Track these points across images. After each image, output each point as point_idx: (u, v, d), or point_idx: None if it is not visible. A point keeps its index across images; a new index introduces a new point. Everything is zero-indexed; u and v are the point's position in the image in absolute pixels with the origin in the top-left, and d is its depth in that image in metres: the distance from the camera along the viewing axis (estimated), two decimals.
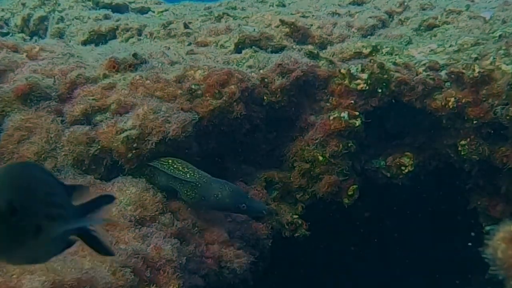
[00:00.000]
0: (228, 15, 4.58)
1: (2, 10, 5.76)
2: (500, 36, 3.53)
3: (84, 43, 4.64)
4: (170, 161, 2.94)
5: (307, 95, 3.59)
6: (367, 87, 3.45)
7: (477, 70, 3.21)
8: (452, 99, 3.30)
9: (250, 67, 3.57)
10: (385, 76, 3.43)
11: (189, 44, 4.17)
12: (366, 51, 3.76)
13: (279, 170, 3.61)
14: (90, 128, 2.96)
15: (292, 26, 4.08)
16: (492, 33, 3.62)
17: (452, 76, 3.34)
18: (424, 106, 3.42)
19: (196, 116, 3.01)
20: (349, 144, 3.45)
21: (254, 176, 3.57)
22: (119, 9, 5.58)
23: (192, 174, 2.91)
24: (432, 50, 3.71)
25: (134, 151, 2.88)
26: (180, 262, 2.52)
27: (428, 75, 3.41)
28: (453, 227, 3.97)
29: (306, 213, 3.55)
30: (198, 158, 3.14)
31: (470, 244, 3.01)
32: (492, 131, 3.26)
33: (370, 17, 4.42)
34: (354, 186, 3.50)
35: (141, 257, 2.33)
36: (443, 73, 3.42)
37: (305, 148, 3.50)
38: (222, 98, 3.14)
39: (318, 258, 4.11)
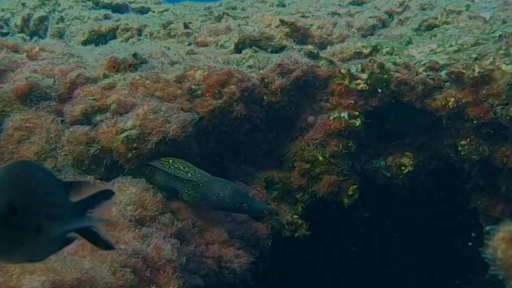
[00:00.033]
0: (228, 15, 4.58)
1: (2, 10, 5.76)
2: (500, 36, 3.53)
3: (84, 43, 4.64)
4: (170, 160, 2.94)
5: (307, 95, 3.59)
6: (367, 87, 3.45)
7: (477, 70, 3.21)
8: (452, 99, 3.30)
9: (250, 67, 3.57)
10: (385, 76, 3.43)
11: (189, 44, 4.17)
12: (366, 51, 3.76)
13: (279, 170, 3.61)
14: (90, 128, 2.96)
15: (292, 26, 4.08)
16: (492, 33, 3.62)
17: (452, 76, 3.34)
18: (424, 106, 3.42)
19: (196, 116, 3.01)
20: (349, 144, 3.45)
21: (254, 176, 3.57)
22: (119, 9, 5.58)
23: (193, 173, 2.91)
24: (432, 50, 3.71)
25: (134, 151, 2.88)
26: (180, 262, 2.52)
27: (428, 75, 3.41)
28: (453, 227, 3.97)
29: (306, 213, 3.55)
30: (198, 158, 3.14)
31: (470, 244, 3.02)
32: (492, 131, 3.26)
33: (370, 17, 4.42)
34: (354, 186, 3.50)
35: (141, 257, 2.33)
36: (443, 73, 3.42)
37: (305, 148, 3.50)
38: (222, 98, 3.14)
39: (318, 258, 4.11)
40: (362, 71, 3.48)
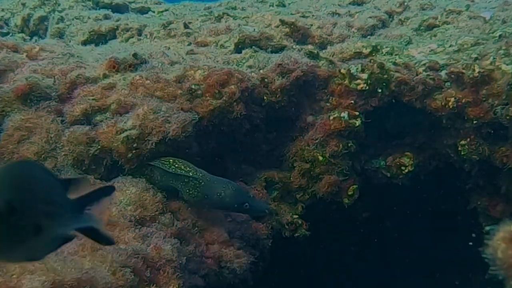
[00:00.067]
0: (228, 15, 4.58)
1: (2, 10, 5.76)
2: (500, 36, 3.53)
3: (84, 43, 4.63)
4: (171, 160, 2.94)
5: (307, 95, 3.59)
6: (367, 87, 3.45)
7: (477, 70, 3.21)
8: (452, 99, 3.30)
9: (250, 67, 3.56)
10: (385, 76, 3.43)
11: (189, 44, 4.17)
12: (366, 51, 3.76)
13: (279, 170, 3.61)
14: (90, 128, 2.96)
15: (292, 26, 4.08)
16: (492, 33, 3.62)
17: (452, 76, 3.33)
18: (424, 106, 3.41)
19: (196, 116, 3.01)
20: (349, 144, 3.45)
21: (254, 176, 3.57)
22: (119, 9, 5.58)
23: (194, 172, 2.91)
24: (432, 50, 3.71)
25: (134, 151, 2.88)
26: (180, 262, 2.52)
27: (428, 75, 3.41)
28: (453, 227, 3.97)
29: (306, 213, 3.55)
30: (198, 158, 3.14)
31: (471, 243, 3.02)
32: (492, 131, 3.26)
33: (370, 17, 4.42)
34: (354, 186, 3.49)
35: (141, 257, 2.33)
36: (443, 73, 3.42)
37: (305, 148, 3.50)
38: (222, 98, 3.14)
39: (318, 258, 4.11)
40: (362, 71, 3.48)
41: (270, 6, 5.24)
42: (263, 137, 3.59)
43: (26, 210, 1.27)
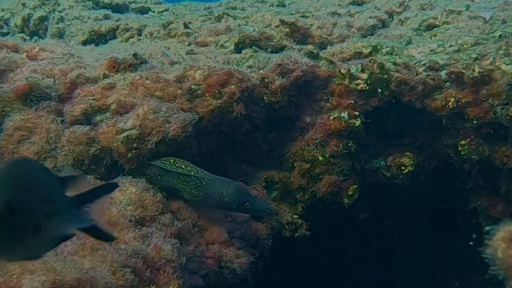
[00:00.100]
0: (228, 15, 4.58)
1: (2, 10, 5.76)
2: (500, 36, 3.53)
3: (84, 43, 4.63)
4: (172, 160, 2.94)
5: (307, 95, 3.59)
6: (367, 87, 3.45)
7: (477, 70, 3.21)
8: (452, 99, 3.30)
9: (250, 67, 3.56)
10: (385, 76, 3.43)
11: (189, 44, 4.17)
12: (366, 51, 3.76)
13: (279, 170, 3.61)
14: (90, 128, 2.96)
15: (292, 26, 4.08)
16: (492, 33, 3.62)
17: (452, 76, 3.33)
18: (424, 106, 3.42)
19: (196, 116, 3.01)
20: (349, 144, 3.45)
21: (254, 176, 3.57)
22: (119, 9, 5.58)
23: (196, 172, 2.91)
24: (432, 50, 3.71)
25: (134, 151, 2.88)
26: (180, 262, 2.52)
27: (428, 75, 3.41)
28: (453, 227, 3.97)
29: (306, 213, 3.55)
30: (198, 158, 3.14)
31: (471, 243, 3.02)
32: (492, 131, 3.26)
33: (370, 17, 4.42)
34: (354, 186, 3.49)
35: (141, 257, 2.33)
36: (443, 73, 3.42)
37: (305, 148, 3.50)
38: (222, 98, 3.14)
39: (318, 258, 4.11)
40: (362, 71, 3.48)
41: (270, 6, 5.24)
42: (263, 137, 3.59)
43: (25, 210, 1.27)
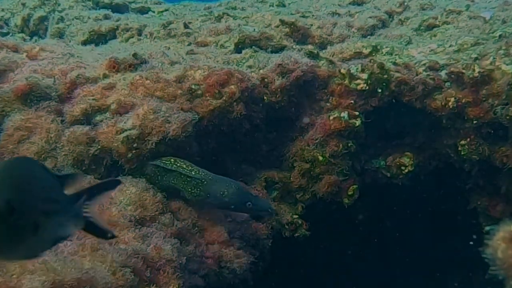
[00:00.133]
0: (228, 15, 4.58)
1: (2, 10, 5.76)
2: (500, 36, 3.53)
3: (84, 43, 4.64)
4: (172, 160, 2.94)
5: (307, 95, 3.59)
6: (367, 87, 3.45)
7: (477, 70, 3.21)
8: (452, 99, 3.30)
9: (250, 67, 3.56)
10: (385, 76, 3.43)
11: (189, 44, 4.17)
12: (366, 51, 3.76)
13: (279, 170, 3.61)
14: (90, 128, 2.96)
15: (292, 26, 4.08)
16: (492, 33, 3.62)
17: (452, 76, 3.33)
18: (424, 106, 3.41)
19: (196, 116, 3.01)
20: (349, 144, 3.45)
21: (254, 176, 3.57)
22: (119, 9, 5.58)
23: (197, 171, 2.91)
24: (432, 50, 3.71)
25: (134, 151, 2.88)
26: (180, 262, 2.52)
27: (428, 75, 3.41)
28: (453, 227, 3.97)
29: (306, 213, 3.55)
30: (198, 158, 3.14)
31: (471, 243, 3.02)
32: (492, 131, 3.26)
33: (370, 17, 4.42)
34: (354, 186, 3.49)
35: (141, 257, 2.33)
36: (443, 73, 3.42)
37: (305, 148, 3.50)
38: (222, 98, 3.14)
39: (318, 258, 4.11)
40: (362, 71, 3.48)
41: (270, 6, 5.24)
42: (263, 137, 3.59)
43: (25, 209, 1.27)
